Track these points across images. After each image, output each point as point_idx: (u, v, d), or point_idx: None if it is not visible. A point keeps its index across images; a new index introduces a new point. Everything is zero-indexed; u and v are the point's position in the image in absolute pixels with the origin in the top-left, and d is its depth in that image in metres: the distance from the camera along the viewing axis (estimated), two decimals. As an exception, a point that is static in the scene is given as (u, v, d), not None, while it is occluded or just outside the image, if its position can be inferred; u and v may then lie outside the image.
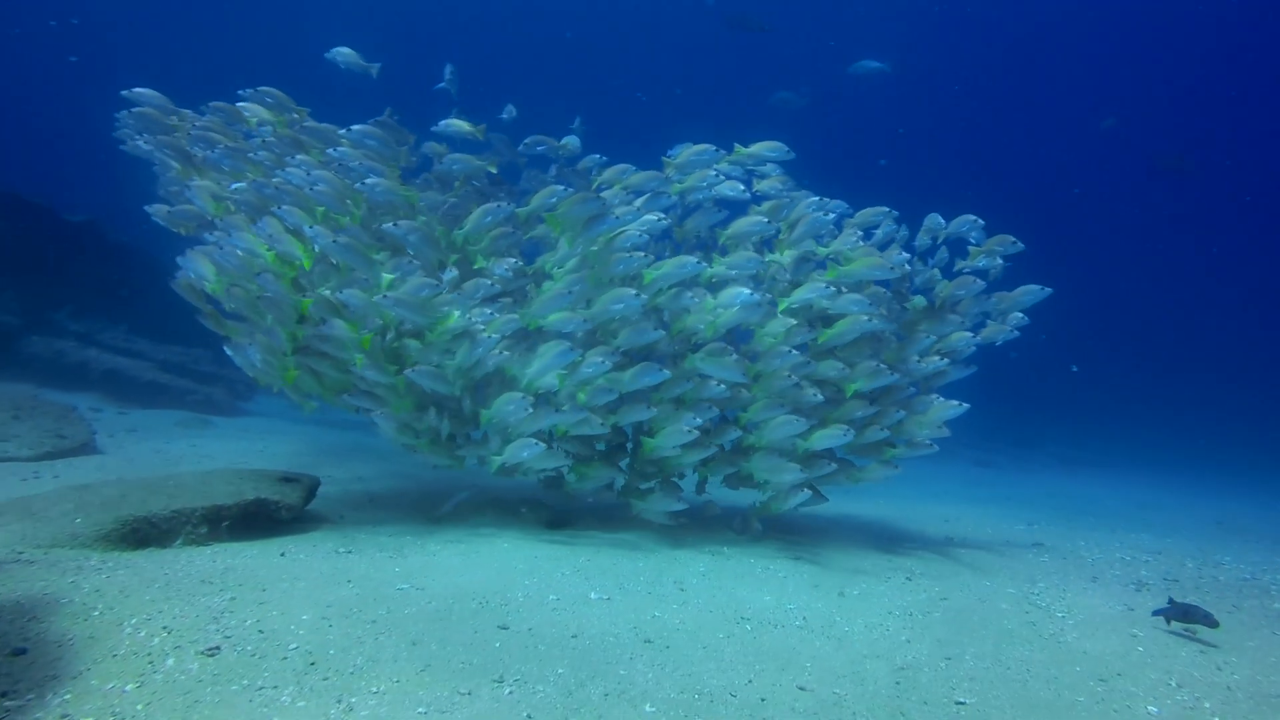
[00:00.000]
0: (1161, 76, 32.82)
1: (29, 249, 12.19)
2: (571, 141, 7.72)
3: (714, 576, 5.31)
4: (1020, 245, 6.65)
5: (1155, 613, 5.14)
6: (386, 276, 5.82)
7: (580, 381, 6.00)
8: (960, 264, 6.76)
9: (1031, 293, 6.58)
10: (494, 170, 6.79)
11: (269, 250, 5.60)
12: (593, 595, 4.59)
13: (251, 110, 6.35)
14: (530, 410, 5.86)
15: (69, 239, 12.96)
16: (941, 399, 6.59)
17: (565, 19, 32.66)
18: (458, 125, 6.74)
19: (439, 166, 6.64)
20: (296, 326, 5.84)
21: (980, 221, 6.71)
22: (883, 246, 6.87)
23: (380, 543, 5.53)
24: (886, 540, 7.29)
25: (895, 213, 6.85)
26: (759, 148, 6.68)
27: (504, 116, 9.99)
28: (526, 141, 7.27)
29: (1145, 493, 13.61)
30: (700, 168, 6.59)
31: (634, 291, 6.00)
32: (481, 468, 7.14)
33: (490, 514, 6.84)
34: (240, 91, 6.44)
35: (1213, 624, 4.78)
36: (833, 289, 6.24)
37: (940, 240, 6.89)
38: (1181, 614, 4.93)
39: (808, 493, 6.36)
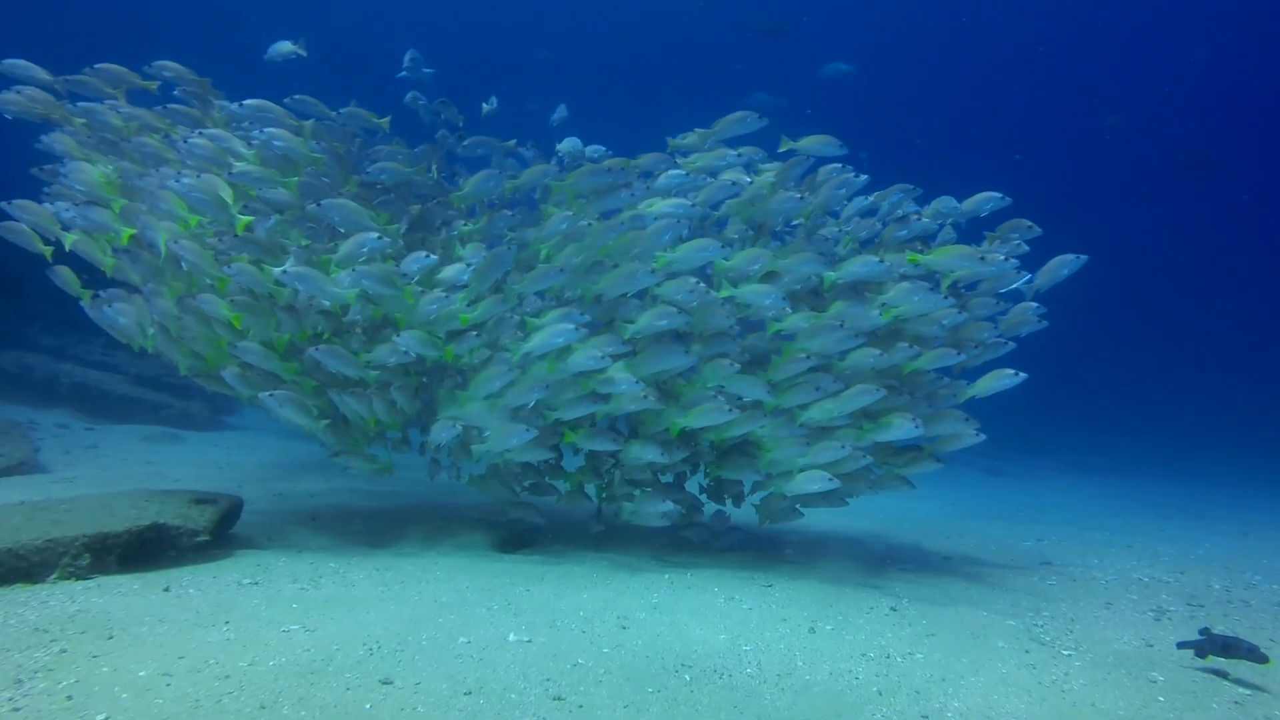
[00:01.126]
0: (1176, 69, 31.77)
1: (-1, 261, 11.69)
2: (571, 143, 7.12)
3: (666, 610, 4.57)
4: (1038, 230, 5.89)
5: (1183, 645, 4.33)
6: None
7: (576, 372, 5.37)
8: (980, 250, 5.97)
9: (1066, 263, 5.67)
10: (425, 176, 6.15)
11: (110, 184, 5.03)
12: (511, 637, 3.87)
13: (113, 73, 5.76)
14: (518, 373, 5.25)
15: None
16: (963, 382, 5.89)
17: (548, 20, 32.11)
18: (363, 114, 6.13)
19: (365, 175, 6.01)
20: (168, 288, 5.26)
21: (1004, 199, 5.92)
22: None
23: (296, 571, 4.86)
24: (878, 560, 6.52)
25: (918, 190, 6.11)
26: (809, 142, 5.97)
27: (485, 108, 9.38)
28: (466, 143, 6.64)
29: (1164, 500, 12.68)
30: (741, 133, 6.02)
31: (649, 268, 5.34)
32: (433, 482, 6.50)
33: (441, 535, 6.17)
34: (146, 67, 5.85)
35: (1261, 659, 3.97)
36: (886, 264, 5.49)
37: (948, 222, 6.14)
38: (1221, 648, 4.11)
39: (835, 482, 5.48)
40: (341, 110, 6.06)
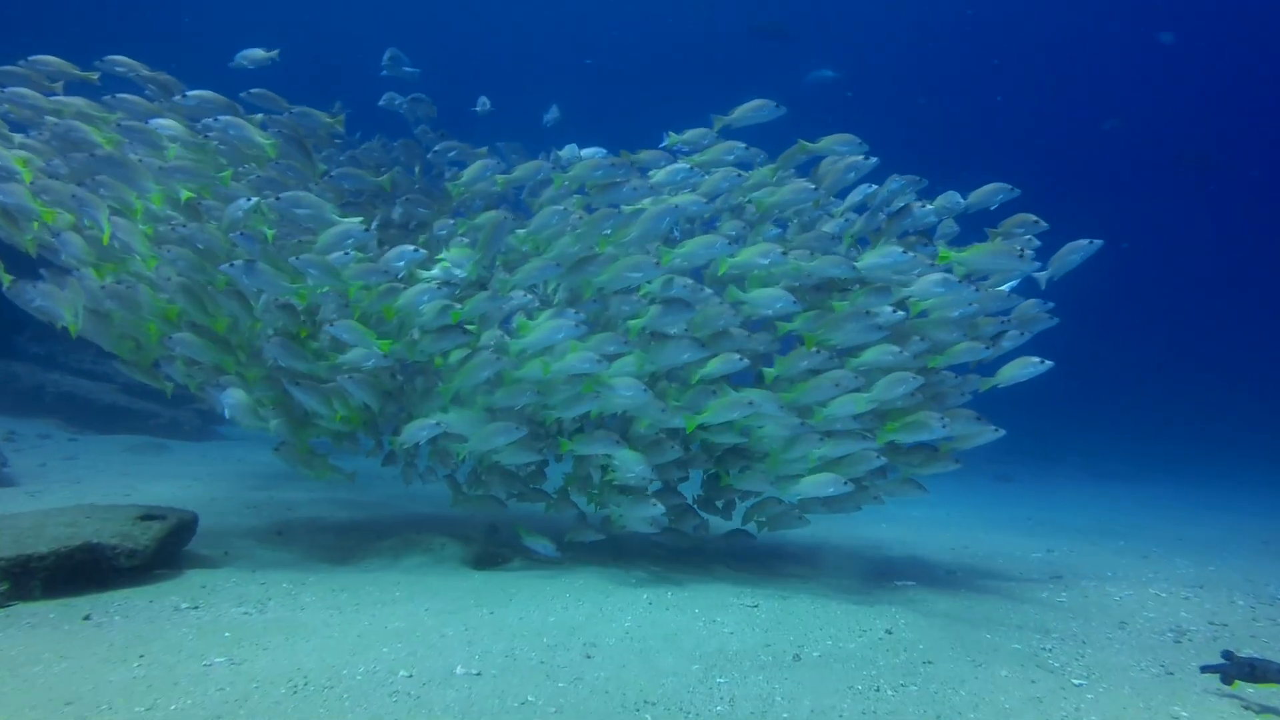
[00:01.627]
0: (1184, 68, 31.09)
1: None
2: (569, 151, 6.80)
3: (638, 636, 4.15)
4: (1044, 224, 5.47)
5: (1206, 669, 3.87)
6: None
7: (572, 375, 5.02)
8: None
9: (1079, 249, 5.21)
10: (388, 189, 5.82)
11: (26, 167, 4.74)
12: (459, 670, 3.46)
13: (51, 65, 5.46)
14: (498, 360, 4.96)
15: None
16: (976, 376, 5.52)
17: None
18: (315, 113, 5.82)
19: (327, 178, 5.68)
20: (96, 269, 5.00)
21: (1014, 190, 5.54)
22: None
23: (243, 593, 4.46)
24: (877, 575, 6.07)
25: (923, 181, 5.74)
26: (829, 141, 5.61)
27: (477, 109, 9.10)
28: (437, 149, 6.32)
29: (1181, 508, 12.13)
30: (759, 121, 5.69)
31: (655, 260, 4.97)
32: (415, 490, 6.13)
33: (413, 549, 5.76)
34: (97, 62, 5.53)
35: None
36: (910, 255, 5.11)
37: (949, 215, 5.75)
38: (1249, 673, 3.64)
39: (848, 485, 5.16)
40: (294, 109, 5.73)
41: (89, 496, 6.87)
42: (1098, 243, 5.14)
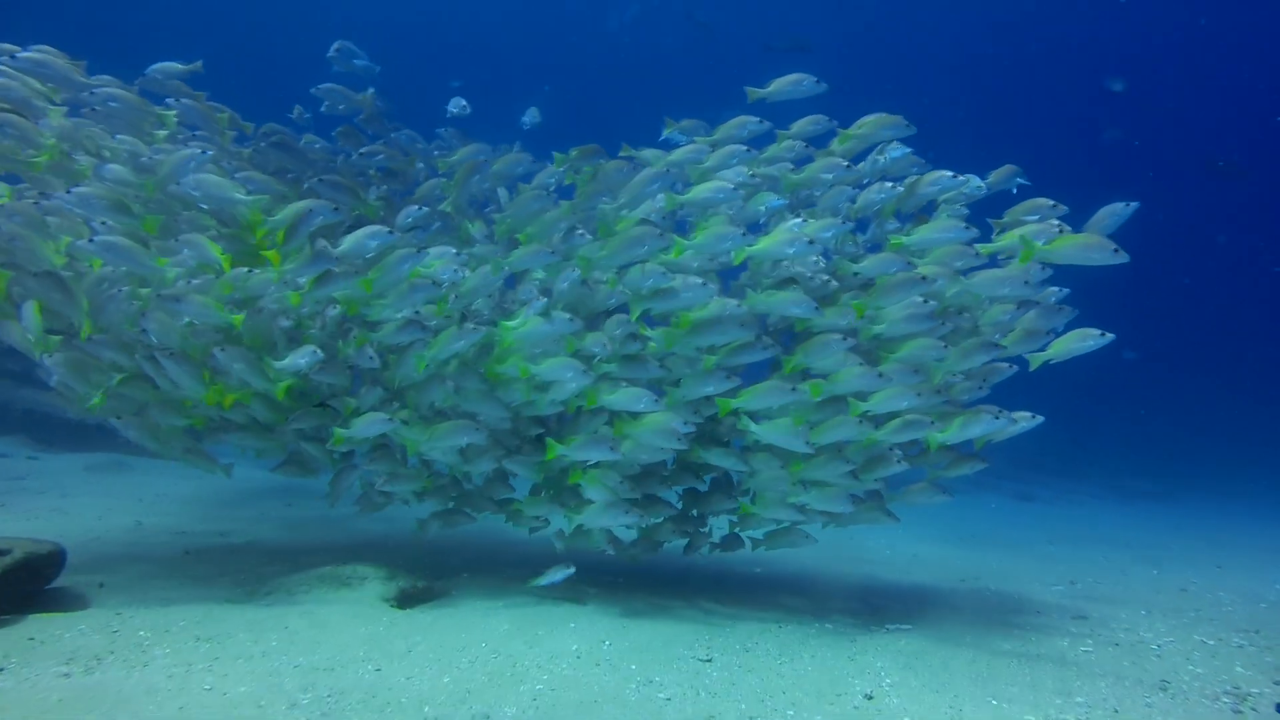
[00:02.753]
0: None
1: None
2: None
3: (548, 704, 3.19)
4: (1064, 208, 4.63)
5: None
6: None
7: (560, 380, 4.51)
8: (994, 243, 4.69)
9: (1115, 213, 4.37)
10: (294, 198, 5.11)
11: None
12: (275, 765, 2.54)
13: None
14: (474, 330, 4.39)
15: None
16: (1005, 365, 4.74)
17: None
18: (202, 108, 5.11)
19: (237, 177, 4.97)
20: None
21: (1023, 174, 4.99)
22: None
23: (81, 647, 3.57)
24: (867, 611, 5.08)
25: (926, 163, 5.10)
26: (870, 125, 5.00)
27: (453, 110, 8.43)
28: (362, 152, 5.74)
29: (1219, 530, 10.85)
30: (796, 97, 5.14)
31: (658, 231, 4.36)
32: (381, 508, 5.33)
33: (330, 580, 4.87)
34: None
35: None
36: (971, 231, 4.47)
37: (952, 200, 5.01)
38: None
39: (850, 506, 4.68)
40: (183, 100, 5.02)
41: (8, 522, 6.18)
42: (1134, 205, 4.25)
